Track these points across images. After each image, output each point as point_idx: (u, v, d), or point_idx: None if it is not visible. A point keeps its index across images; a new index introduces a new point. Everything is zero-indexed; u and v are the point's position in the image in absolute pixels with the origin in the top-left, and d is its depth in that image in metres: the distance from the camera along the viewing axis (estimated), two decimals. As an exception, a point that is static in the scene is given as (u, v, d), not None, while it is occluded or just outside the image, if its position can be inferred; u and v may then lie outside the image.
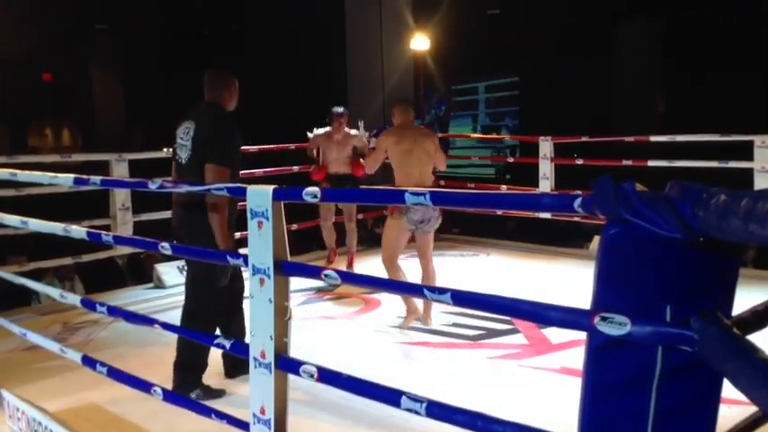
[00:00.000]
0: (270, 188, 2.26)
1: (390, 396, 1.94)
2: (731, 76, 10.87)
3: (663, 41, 12.52)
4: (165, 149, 6.16)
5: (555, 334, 4.29)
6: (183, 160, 3.56)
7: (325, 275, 2.15)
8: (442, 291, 1.79)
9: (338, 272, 2.15)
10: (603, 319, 1.49)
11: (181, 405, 2.77)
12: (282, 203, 2.27)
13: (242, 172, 6.38)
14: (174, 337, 3.57)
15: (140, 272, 7.24)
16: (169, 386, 3.31)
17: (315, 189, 2.14)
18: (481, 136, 11.58)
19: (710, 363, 1.33)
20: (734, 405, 1.68)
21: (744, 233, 1.10)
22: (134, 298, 5.67)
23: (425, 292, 1.82)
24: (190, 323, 3.50)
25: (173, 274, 6.01)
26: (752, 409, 1.58)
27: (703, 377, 1.48)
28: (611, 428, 1.52)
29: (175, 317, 4.93)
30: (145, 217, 6.07)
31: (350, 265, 6.29)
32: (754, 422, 1.59)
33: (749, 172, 5.77)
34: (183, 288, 5.74)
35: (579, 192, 6.72)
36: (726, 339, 1.28)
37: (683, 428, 1.50)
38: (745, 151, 5.88)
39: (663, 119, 12.93)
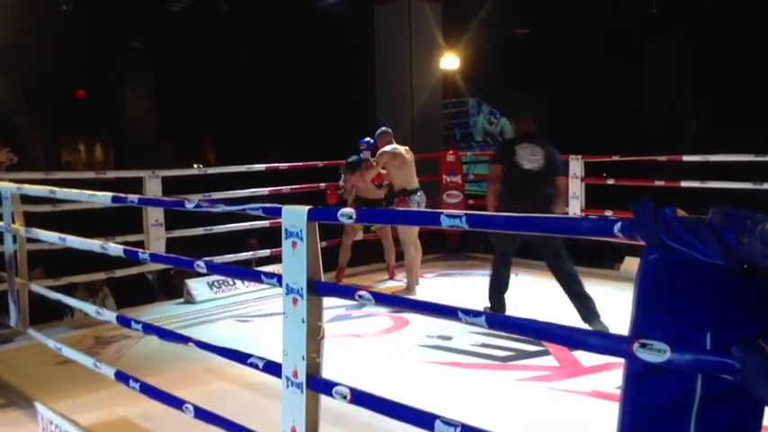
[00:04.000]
0: (305, 208, 2.28)
1: (423, 419, 1.93)
2: (764, 94, 10.72)
3: (693, 59, 12.41)
4: (195, 166, 6.27)
5: (586, 356, 4.24)
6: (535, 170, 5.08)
7: (359, 296, 2.15)
8: (477, 314, 1.79)
9: (372, 293, 2.16)
10: (643, 345, 1.47)
11: (212, 422, 2.78)
12: (317, 224, 2.29)
13: (269, 189, 6.58)
14: (205, 353, 3.59)
15: (170, 287, 7.32)
16: (200, 401, 3.32)
17: (350, 210, 2.16)
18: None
19: (753, 392, 1.30)
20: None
21: (791, 262, 1.09)
22: (165, 313, 5.73)
23: (460, 315, 1.81)
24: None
25: (203, 289, 6.07)
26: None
27: (744, 405, 1.45)
28: (650, 456, 1.50)
29: (206, 332, 5.01)
30: (177, 233, 6.15)
31: (392, 274, 6.70)
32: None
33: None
34: (212, 303, 5.89)
35: (610, 212, 6.68)
36: (770, 369, 1.25)
37: (723, 458, 1.47)
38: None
39: (694, 138, 12.79)
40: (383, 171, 6.39)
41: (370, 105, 10.16)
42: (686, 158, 6.72)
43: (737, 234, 1.26)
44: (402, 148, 6.25)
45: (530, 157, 5.19)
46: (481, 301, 5.73)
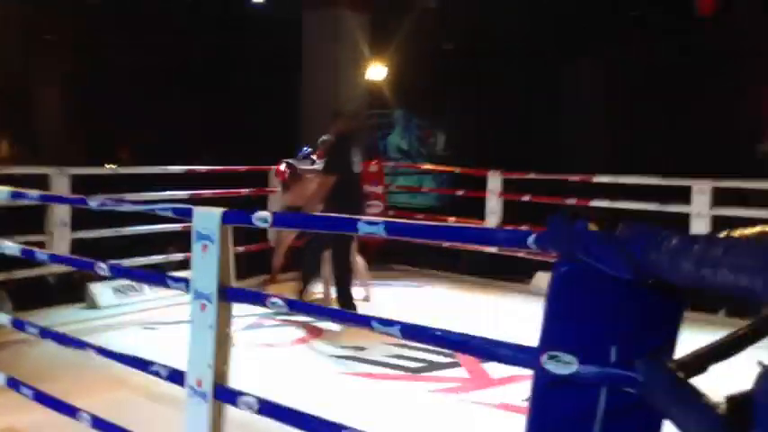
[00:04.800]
0: (218, 210, 2.20)
1: (331, 430, 1.89)
2: (672, 120, 11.29)
3: (606, 83, 12.94)
4: (107, 165, 6.03)
5: (495, 369, 4.29)
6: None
7: (272, 303, 2.09)
8: (390, 323, 1.76)
9: (285, 300, 2.10)
10: (551, 357, 1.48)
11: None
12: (231, 227, 2.22)
13: (189, 193, 6.38)
14: (106, 360, 3.42)
15: (73, 291, 6.98)
16: (99, 411, 3.16)
17: (266, 214, 2.10)
18: (434, 168, 11.67)
19: (655, 406, 1.33)
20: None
21: (695, 278, 1.11)
22: (65, 318, 5.43)
23: (374, 324, 1.78)
24: None
25: (107, 294, 5.81)
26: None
27: (645, 418, 1.48)
28: (555, 467, 1.51)
29: (109, 339, 4.79)
30: (83, 234, 5.87)
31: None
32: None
33: (687, 216, 5.96)
34: (117, 309, 5.63)
35: (526, 227, 6.85)
36: (670, 383, 1.28)
37: (625, 468, 1.50)
38: (685, 194, 6.07)
39: (605, 160, 13.29)
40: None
41: (295, 112, 10.06)
42: (596, 179, 6.97)
43: (645, 249, 1.29)
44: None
45: (356, 160, 5.36)
46: (396, 312, 5.74)
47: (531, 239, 1.59)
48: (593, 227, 1.49)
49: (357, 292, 6.05)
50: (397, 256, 7.93)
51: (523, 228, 6.56)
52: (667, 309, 1.49)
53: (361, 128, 5.53)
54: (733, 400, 0.86)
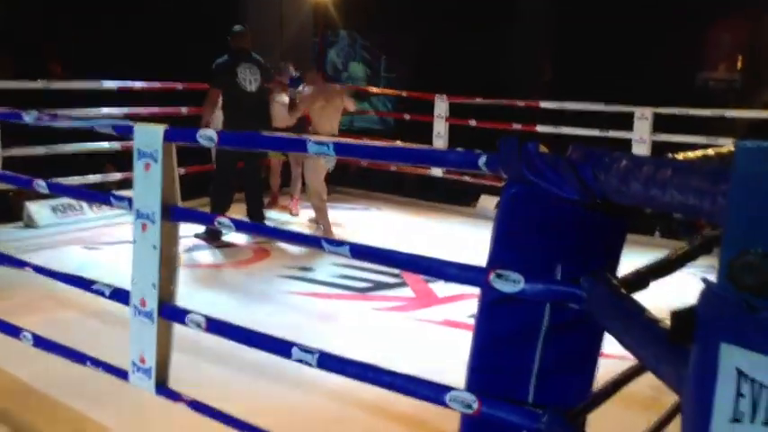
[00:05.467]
0: (160, 127, 2.13)
1: (281, 347, 1.91)
2: (617, 49, 11.37)
3: (552, 10, 12.89)
4: (40, 81, 5.76)
5: (441, 288, 4.39)
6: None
7: (219, 222, 2.06)
8: (340, 243, 1.76)
9: (232, 220, 2.07)
10: (499, 276, 1.51)
11: (53, 351, 2.61)
12: (174, 145, 2.15)
13: (124, 111, 6.16)
14: (46, 279, 3.35)
15: (8, 209, 6.74)
16: (41, 330, 3.12)
17: (211, 132, 2.04)
18: (380, 91, 11.53)
19: (598, 320, 1.38)
20: (610, 358, 1.77)
21: (644, 197, 1.13)
22: (2, 237, 5.27)
23: (324, 244, 1.78)
24: None
25: (45, 213, 5.64)
26: (626, 363, 1.67)
27: (586, 333, 1.54)
28: (498, 380, 1.57)
29: (49, 258, 4.68)
30: (16, 151, 5.63)
31: (293, 207, 6.61)
32: (628, 376, 1.69)
33: (628, 141, 6.10)
34: (56, 228, 5.48)
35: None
36: (613, 299, 1.33)
37: (564, 380, 1.57)
38: (627, 122, 6.20)
39: (549, 86, 13.37)
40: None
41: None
42: (543, 105, 7.02)
43: (594, 170, 1.30)
44: (328, 88, 6.00)
45: (250, 78, 5.41)
46: (344, 234, 5.78)
47: (481, 161, 1.59)
48: (543, 149, 1.49)
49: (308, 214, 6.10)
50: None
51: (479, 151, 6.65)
52: (612, 229, 1.53)
53: (245, 47, 5.50)
54: (676, 315, 0.90)
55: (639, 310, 1.20)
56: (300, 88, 6.02)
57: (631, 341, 1.16)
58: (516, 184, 1.52)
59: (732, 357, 0.80)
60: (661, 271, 1.63)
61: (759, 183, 0.81)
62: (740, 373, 0.79)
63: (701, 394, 0.83)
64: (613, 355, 1.54)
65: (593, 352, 1.59)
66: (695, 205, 0.99)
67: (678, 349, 0.93)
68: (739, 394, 0.79)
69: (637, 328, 1.15)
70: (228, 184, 5.51)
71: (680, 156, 1.82)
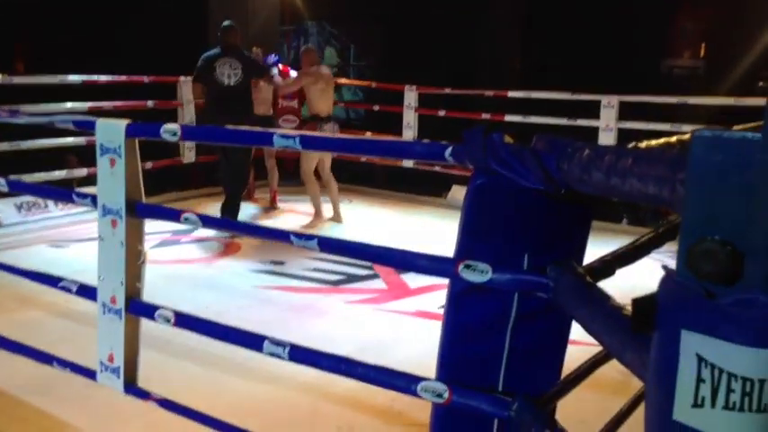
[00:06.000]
0: (123, 122, 2.10)
1: (252, 341, 1.90)
2: (583, 37, 11.47)
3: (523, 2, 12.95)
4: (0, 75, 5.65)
5: (413, 280, 4.40)
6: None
7: (185, 218, 2.04)
8: (309, 237, 1.75)
9: (199, 215, 2.05)
10: (467, 266, 1.52)
11: (19, 352, 2.57)
12: (137, 140, 2.12)
13: (88, 105, 6.06)
14: (11, 278, 3.29)
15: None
16: (7, 331, 3.06)
17: (174, 126, 2.01)
18: (350, 82, 11.49)
19: (565, 308, 1.39)
20: (578, 345, 1.79)
21: (605, 187, 1.15)
22: (-37, 237, 5.16)
23: (292, 238, 1.77)
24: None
25: (9, 211, 5.52)
26: (594, 349, 1.69)
27: (554, 321, 1.56)
28: (468, 369, 1.58)
29: (14, 257, 4.57)
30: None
31: (273, 201, 6.55)
32: (596, 362, 1.71)
33: (595, 130, 6.16)
34: (21, 227, 5.38)
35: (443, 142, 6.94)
36: (579, 287, 1.34)
37: (533, 368, 1.59)
38: (593, 110, 6.25)
39: (518, 76, 13.45)
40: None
41: (202, 25, 9.57)
42: (511, 94, 7.06)
43: (558, 160, 1.31)
44: (327, 72, 6.02)
45: (229, 72, 5.46)
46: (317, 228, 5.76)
47: (447, 152, 1.60)
48: (508, 139, 1.50)
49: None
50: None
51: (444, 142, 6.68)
52: (577, 218, 1.54)
53: (232, 42, 5.57)
54: (637, 302, 0.91)
55: (604, 297, 1.21)
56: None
57: (597, 329, 1.18)
58: (482, 175, 1.52)
59: (692, 343, 0.82)
60: (627, 258, 1.66)
61: (715, 171, 0.82)
62: (700, 359, 0.81)
63: (664, 380, 0.85)
64: (582, 342, 1.56)
65: (561, 339, 1.61)
66: (654, 194, 1.00)
67: (641, 336, 0.94)
68: (700, 380, 0.81)
69: (602, 315, 1.17)
70: (245, 171, 5.74)
71: (643, 144, 1.85)
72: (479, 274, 1.50)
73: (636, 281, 1.76)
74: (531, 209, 1.49)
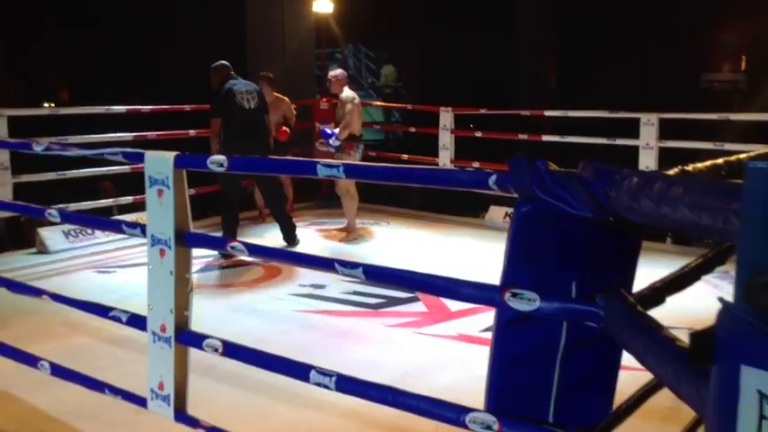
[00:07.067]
0: (171, 155, 2.15)
1: (299, 370, 1.91)
2: (622, 54, 11.39)
3: (557, 17, 12.92)
4: (47, 104, 5.81)
5: (453, 302, 4.38)
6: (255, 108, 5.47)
7: (232, 247, 2.08)
8: (354, 265, 1.77)
9: (245, 244, 2.09)
10: (514, 295, 1.52)
11: (71, 379, 2.63)
12: (185, 171, 2.17)
13: (133, 134, 6.23)
14: (60, 306, 3.38)
15: (20, 236, 6.79)
16: (58, 357, 3.14)
17: (221, 157, 2.06)
18: (386, 104, 11.58)
19: (616, 338, 1.38)
20: (629, 371, 1.76)
21: (656, 215, 1.14)
22: (15, 264, 5.31)
23: (337, 266, 1.79)
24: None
25: (57, 238, 5.68)
26: (645, 375, 1.67)
27: (604, 350, 1.54)
28: (518, 399, 1.57)
29: (62, 284, 4.71)
30: (26, 178, 5.68)
31: (261, 217, 6.77)
32: (648, 391, 1.68)
33: (635, 149, 6.08)
34: (69, 253, 5.52)
35: (477, 164, 6.90)
36: (631, 317, 1.33)
37: (585, 397, 1.57)
38: (632, 128, 6.18)
39: (554, 94, 13.40)
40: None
41: (240, 51, 9.77)
42: (548, 113, 7.03)
43: (606, 188, 1.31)
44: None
45: (248, 97, 5.49)
46: (357, 251, 5.79)
47: (492, 180, 1.60)
48: (553, 166, 1.50)
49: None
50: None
51: (475, 164, 6.69)
52: (625, 244, 1.53)
53: (227, 75, 5.60)
54: (695, 337, 0.90)
55: (657, 328, 1.20)
56: (334, 141, 6.04)
57: (651, 360, 1.16)
58: (528, 203, 1.52)
59: (753, 379, 0.80)
60: (676, 285, 1.63)
61: (771, 204, 0.81)
62: (762, 396, 0.80)
63: (724, 416, 0.84)
64: (633, 368, 1.54)
65: (612, 368, 1.58)
66: (708, 224, 0.99)
67: (698, 370, 0.93)
68: (762, 417, 0.79)
69: (655, 347, 1.15)
70: (233, 204, 5.59)
71: (690, 167, 1.83)
72: (527, 302, 1.50)
73: (685, 303, 1.73)
74: (578, 236, 1.49)
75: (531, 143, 6.63)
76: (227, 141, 5.39)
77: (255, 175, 5.47)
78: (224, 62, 5.66)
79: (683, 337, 1.24)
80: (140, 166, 2.24)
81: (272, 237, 6.21)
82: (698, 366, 0.93)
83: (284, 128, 6.44)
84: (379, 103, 11.69)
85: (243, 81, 5.62)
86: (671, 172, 1.65)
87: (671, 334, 1.14)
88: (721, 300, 0.87)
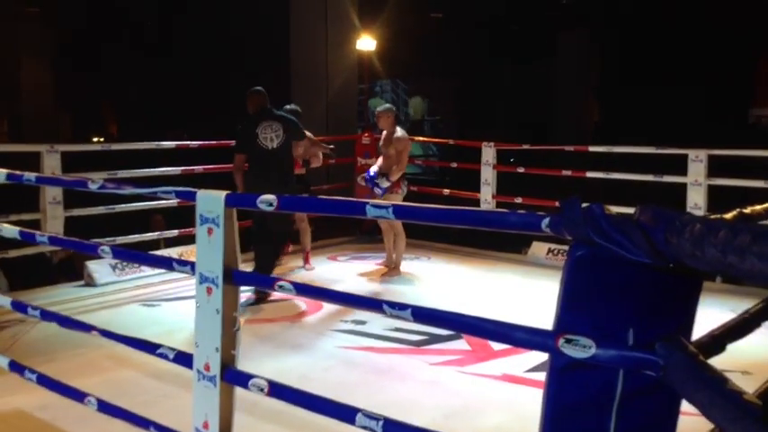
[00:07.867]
0: (222, 194, 2.18)
1: (346, 413, 1.89)
2: (668, 89, 11.27)
3: (601, 53, 12.88)
4: (96, 139, 5.97)
5: (497, 341, 4.31)
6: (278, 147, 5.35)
7: (280, 287, 2.08)
8: (402, 307, 1.76)
9: (292, 283, 2.09)
10: (568, 341, 1.49)
11: (117, 416, 2.65)
12: (235, 210, 2.19)
13: (181, 169, 6.35)
14: (106, 340, 3.42)
15: (69, 267, 6.95)
16: (103, 392, 3.16)
17: (270, 197, 2.07)
18: (427, 140, 11.62)
19: (677, 389, 1.33)
20: (689, 416, 1.70)
21: (722, 264, 1.10)
22: (63, 296, 5.42)
23: (385, 307, 1.77)
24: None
25: (105, 271, 5.78)
26: (704, 422, 1.60)
27: (663, 398, 1.49)
28: (572, 449, 1.52)
29: (108, 317, 4.78)
30: (77, 212, 5.83)
31: (306, 261, 6.43)
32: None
33: (683, 186, 5.96)
34: (115, 286, 5.62)
35: (519, 199, 6.83)
36: (693, 367, 1.28)
37: (641, 449, 1.51)
38: (677, 164, 6.07)
39: (597, 128, 13.30)
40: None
41: (284, 87, 9.96)
42: (592, 149, 6.95)
43: (666, 234, 1.28)
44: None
45: (272, 135, 5.35)
46: (400, 288, 5.76)
47: (544, 223, 1.58)
48: (608, 210, 1.48)
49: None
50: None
51: (517, 200, 6.64)
52: (684, 290, 1.49)
53: (263, 103, 5.46)
54: (765, 394, 0.86)
55: (721, 380, 1.16)
56: (383, 182, 5.99)
57: (717, 415, 1.12)
58: (583, 246, 1.50)
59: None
60: (737, 332, 1.58)
61: None
62: None
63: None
64: (691, 413, 1.48)
65: (671, 416, 1.53)
66: (780, 276, 0.95)
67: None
68: None
69: (722, 401, 1.11)
70: (268, 239, 5.47)
71: (747, 210, 1.78)
72: (582, 349, 1.46)
73: (736, 344, 1.66)
74: (635, 281, 1.45)
75: (574, 179, 6.56)
76: (246, 178, 5.34)
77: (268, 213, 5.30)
78: (259, 89, 5.54)
79: (738, 381, 1.19)
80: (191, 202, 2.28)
81: (316, 273, 6.25)
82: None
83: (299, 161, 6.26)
84: (422, 138, 11.74)
85: (274, 113, 5.48)
86: (729, 215, 1.61)
87: (736, 386, 1.10)
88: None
